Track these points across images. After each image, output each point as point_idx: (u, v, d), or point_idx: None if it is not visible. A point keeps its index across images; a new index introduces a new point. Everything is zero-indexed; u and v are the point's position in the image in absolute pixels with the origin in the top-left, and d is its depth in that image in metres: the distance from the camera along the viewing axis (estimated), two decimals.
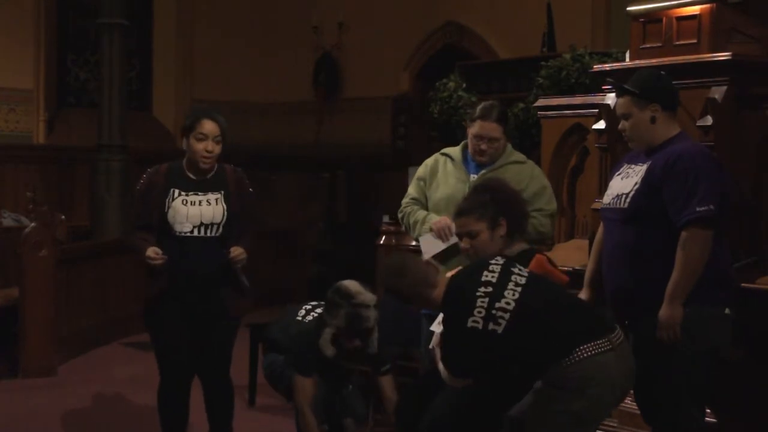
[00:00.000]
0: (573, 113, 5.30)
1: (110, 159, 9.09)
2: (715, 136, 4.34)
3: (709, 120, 4.36)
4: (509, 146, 4.70)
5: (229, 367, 4.74)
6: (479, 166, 4.60)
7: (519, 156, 4.68)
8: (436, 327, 3.97)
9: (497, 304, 3.49)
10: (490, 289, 3.53)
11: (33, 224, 7.21)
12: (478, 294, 3.52)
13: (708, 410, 4.01)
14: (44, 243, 7.07)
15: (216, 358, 4.66)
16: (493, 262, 3.65)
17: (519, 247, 3.98)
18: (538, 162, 5.16)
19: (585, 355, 3.43)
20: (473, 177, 4.57)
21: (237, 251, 4.51)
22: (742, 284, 4.07)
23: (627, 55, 5.00)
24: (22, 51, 10.82)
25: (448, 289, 3.66)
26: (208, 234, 4.50)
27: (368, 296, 4.53)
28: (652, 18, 4.71)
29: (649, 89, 3.83)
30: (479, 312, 3.49)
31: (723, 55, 4.37)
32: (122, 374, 7.02)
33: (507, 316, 3.48)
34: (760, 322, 4.15)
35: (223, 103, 11.80)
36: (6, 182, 10.47)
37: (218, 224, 4.53)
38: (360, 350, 4.61)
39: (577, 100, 5.41)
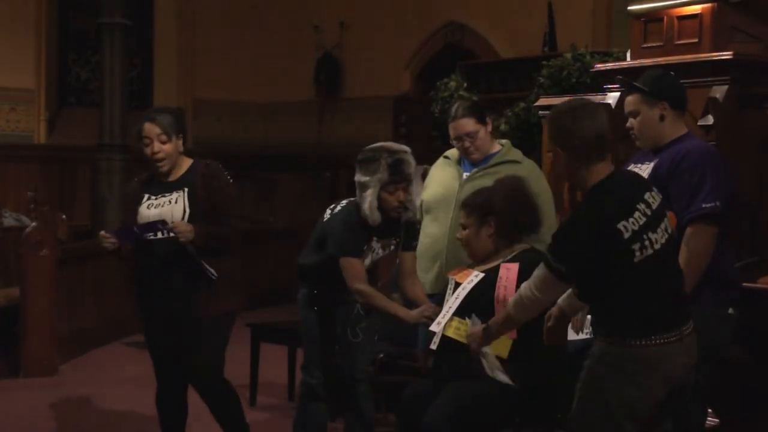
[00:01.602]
0: None
1: (111, 158, 9.07)
2: (717, 136, 4.34)
3: (710, 119, 4.36)
4: (507, 144, 4.70)
5: (216, 368, 4.56)
6: (473, 165, 4.61)
7: (516, 155, 4.65)
8: (436, 327, 3.96)
9: (650, 234, 3.14)
10: (649, 212, 3.17)
11: (34, 224, 7.20)
12: (638, 207, 3.15)
13: (709, 410, 4.00)
14: (45, 243, 7.06)
15: (196, 361, 4.51)
16: (655, 190, 3.31)
17: (520, 247, 4.01)
18: (538, 162, 5.15)
19: (654, 342, 3.17)
20: (465, 175, 4.59)
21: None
22: (744, 284, 4.06)
23: (628, 54, 5.00)
24: (23, 51, 10.84)
25: (614, 178, 3.22)
26: (172, 234, 4.30)
27: (400, 146, 4.35)
28: (653, 17, 4.71)
29: (658, 87, 3.81)
30: (634, 224, 3.11)
31: (724, 55, 4.37)
32: (122, 374, 7.01)
33: (651, 252, 3.14)
34: (760, 322, 4.14)
35: (224, 103, 11.85)
36: (7, 182, 10.48)
37: None
38: (402, 212, 4.31)
39: None
